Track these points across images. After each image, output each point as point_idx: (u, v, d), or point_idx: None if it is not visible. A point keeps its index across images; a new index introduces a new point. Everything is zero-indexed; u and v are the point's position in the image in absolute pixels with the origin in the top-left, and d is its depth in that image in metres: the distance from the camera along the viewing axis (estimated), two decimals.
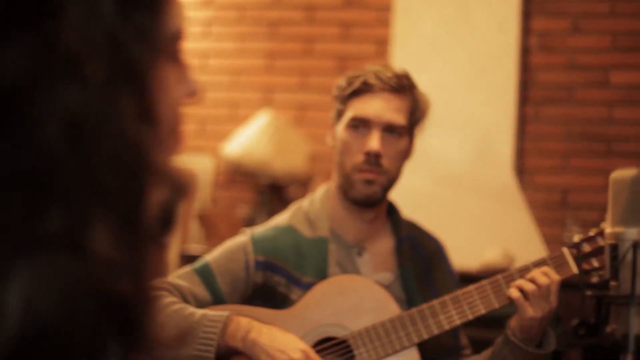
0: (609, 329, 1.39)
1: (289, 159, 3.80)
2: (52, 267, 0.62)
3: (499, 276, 2.01)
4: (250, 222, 3.45)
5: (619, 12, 3.80)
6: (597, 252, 2.02)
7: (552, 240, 3.63)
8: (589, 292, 1.42)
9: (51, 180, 0.61)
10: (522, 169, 3.78)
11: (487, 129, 3.65)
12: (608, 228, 1.40)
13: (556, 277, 1.98)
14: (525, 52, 3.82)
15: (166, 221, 0.69)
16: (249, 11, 4.17)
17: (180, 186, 0.71)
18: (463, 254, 2.88)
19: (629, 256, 1.38)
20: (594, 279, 2.03)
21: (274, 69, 4.13)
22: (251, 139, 3.82)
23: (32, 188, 0.61)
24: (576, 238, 2.04)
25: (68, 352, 0.60)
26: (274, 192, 3.91)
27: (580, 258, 2.02)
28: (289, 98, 4.09)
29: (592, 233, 2.03)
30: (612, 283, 1.39)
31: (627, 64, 3.83)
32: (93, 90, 0.61)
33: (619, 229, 1.40)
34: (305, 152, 3.86)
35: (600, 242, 2.02)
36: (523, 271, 2.00)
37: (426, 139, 2.26)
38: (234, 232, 2.27)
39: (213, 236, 3.66)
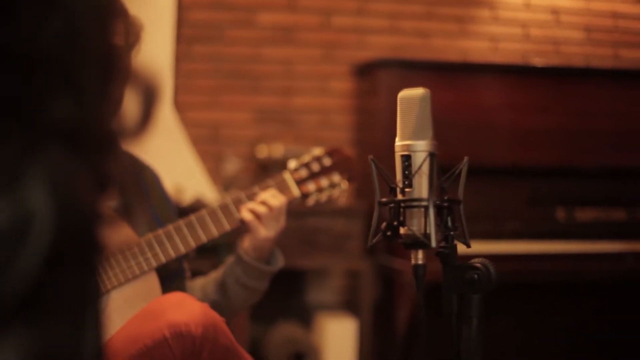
0: (405, 229, 1.57)
1: None
2: (64, 157, 0.66)
3: (228, 199, 2.12)
4: None
5: None
6: (314, 175, 2.23)
7: (213, 173, 3.78)
8: (384, 199, 1.59)
9: (46, 71, 0.65)
10: (178, 106, 3.87)
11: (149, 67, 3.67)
12: (399, 141, 1.57)
13: (283, 198, 2.14)
14: None
15: (143, 119, 0.75)
16: None
17: (153, 88, 0.76)
18: None
19: (425, 165, 1.56)
20: (311, 200, 2.24)
21: None
22: None
23: (30, 77, 0.65)
24: (292, 164, 2.22)
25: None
26: None
27: (300, 182, 2.21)
28: None
29: (306, 159, 2.22)
30: (407, 190, 1.57)
31: (272, 2, 4.07)
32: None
33: (409, 142, 1.57)
34: None
35: (314, 167, 2.22)
36: (251, 195, 2.13)
37: None
38: None
39: None
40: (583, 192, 3.85)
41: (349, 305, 4.04)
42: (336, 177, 2.25)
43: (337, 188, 2.26)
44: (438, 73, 3.87)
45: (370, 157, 1.63)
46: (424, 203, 1.57)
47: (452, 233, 1.62)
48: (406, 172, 1.59)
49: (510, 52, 4.35)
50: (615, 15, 4.43)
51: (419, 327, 1.60)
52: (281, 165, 3.63)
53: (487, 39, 4.33)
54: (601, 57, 4.42)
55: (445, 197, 1.60)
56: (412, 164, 1.59)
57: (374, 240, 1.60)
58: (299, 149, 3.61)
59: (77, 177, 0.69)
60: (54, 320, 0.68)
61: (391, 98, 3.75)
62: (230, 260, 2.15)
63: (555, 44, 4.40)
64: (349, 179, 2.28)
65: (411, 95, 1.61)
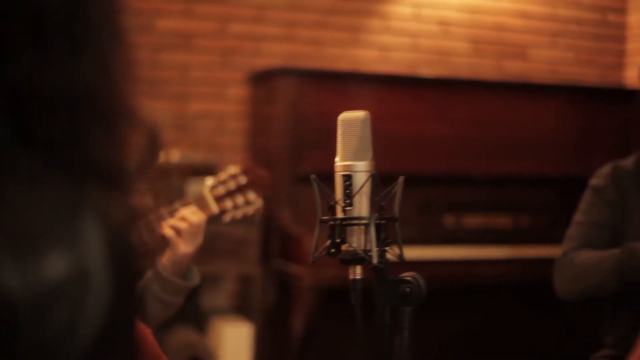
0: (346, 246, 1.64)
1: None
2: (107, 198, 0.72)
3: (151, 216, 2.14)
4: None
5: None
6: (231, 193, 2.28)
7: None
8: (325, 217, 1.65)
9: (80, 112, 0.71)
10: None
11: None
12: (339, 162, 1.64)
13: (203, 215, 2.19)
14: None
15: (144, 165, 0.82)
16: None
17: (156, 133, 0.83)
18: None
19: (366, 184, 1.64)
20: (228, 217, 2.29)
21: None
22: None
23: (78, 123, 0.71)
24: (210, 181, 2.27)
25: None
26: None
27: (218, 198, 2.25)
28: None
29: (223, 177, 2.27)
30: (348, 208, 1.63)
31: (170, 9, 4.06)
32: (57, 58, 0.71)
33: (350, 163, 1.64)
34: None
35: (231, 184, 2.27)
36: (172, 211, 2.16)
37: None
38: None
39: None
40: (470, 198, 4.01)
41: (243, 310, 4.08)
42: (251, 195, 2.31)
43: (252, 205, 2.32)
44: (333, 82, 3.95)
45: (313, 176, 1.69)
46: (365, 221, 1.64)
47: (386, 249, 1.70)
48: (347, 192, 1.66)
49: (400, 61, 4.48)
50: (499, 28, 4.62)
51: (357, 337, 1.67)
52: (176, 170, 3.65)
53: (378, 49, 4.45)
54: (486, 67, 4.60)
55: (382, 215, 1.68)
56: (353, 184, 1.65)
57: (317, 257, 1.66)
58: (195, 155, 3.64)
59: (124, 218, 0.72)
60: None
61: (287, 105, 3.85)
62: (148, 275, 2.17)
63: (443, 54, 4.56)
64: (264, 197, 2.34)
65: (352, 117, 1.67)
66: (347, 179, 1.65)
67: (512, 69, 4.65)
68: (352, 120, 1.67)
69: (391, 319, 1.74)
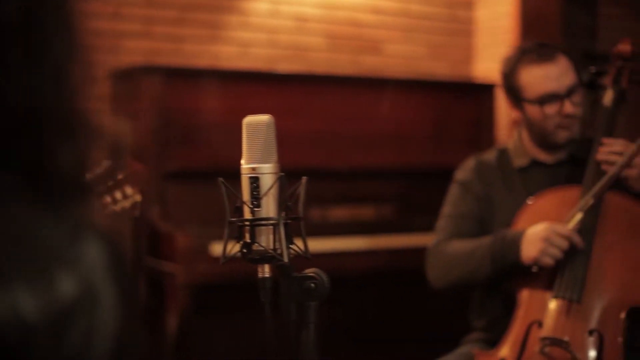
0: (255, 246, 1.69)
1: None
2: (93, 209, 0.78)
3: None
4: None
5: None
6: (109, 188, 2.27)
7: None
8: (234, 219, 1.69)
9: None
10: None
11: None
12: (245, 164, 1.69)
13: None
14: None
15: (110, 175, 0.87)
16: None
17: (119, 144, 0.89)
18: None
19: (274, 186, 1.69)
20: (106, 212, 2.29)
21: None
22: None
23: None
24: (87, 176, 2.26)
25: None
26: None
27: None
28: None
29: (100, 172, 2.27)
30: (256, 210, 1.68)
31: None
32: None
33: (256, 165, 1.69)
34: None
35: (108, 180, 2.27)
36: None
37: None
38: None
39: None
40: (333, 191, 4.11)
41: None
42: (129, 190, 2.31)
43: (130, 200, 2.32)
44: (195, 78, 3.97)
45: (220, 179, 1.72)
46: (273, 222, 1.69)
47: (291, 247, 1.76)
48: (254, 193, 1.70)
49: (259, 57, 4.53)
50: (354, 23, 4.74)
51: (267, 334, 1.72)
52: None
53: (238, 45, 4.49)
54: (343, 62, 4.71)
55: (289, 215, 1.73)
56: (260, 185, 1.70)
57: (229, 257, 1.70)
58: None
59: (108, 227, 0.76)
60: None
61: (151, 103, 3.84)
62: None
63: (300, 50, 4.64)
64: (141, 191, 2.35)
65: (257, 121, 1.72)
66: (254, 180, 1.70)
67: (368, 64, 4.78)
68: (256, 124, 1.72)
69: (296, 315, 1.80)
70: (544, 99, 2.73)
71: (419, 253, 3.89)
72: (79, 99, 0.77)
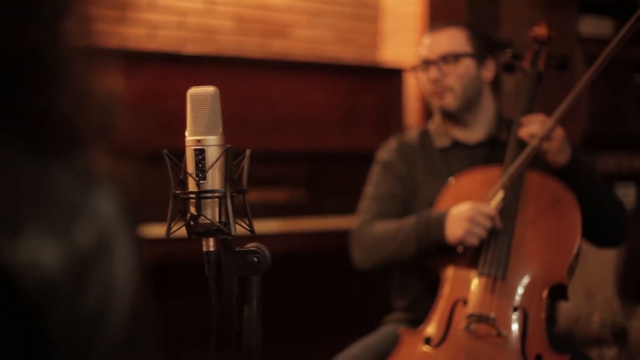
0: (202, 219, 1.67)
1: None
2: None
3: None
4: None
5: None
6: None
7: None
8: (178, 192, 1.67)
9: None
10: None
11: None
12: (190, 136, 1.66)
13: None
14: None
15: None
16: None
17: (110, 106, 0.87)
18: None
19: (220, 158, 1.67)
20: None
21: None
22: None
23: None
24: None
25: None
26: None
27: None
28: None
29: None
30: (202, 182, 1.66)
31: None
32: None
33: (202, 137, 1.67)
34: None
35: None
36: None
37: None
38: None
39: None
40: (249, 174, 4.08)
41: None
42: None
43: None
44: (105, 60, 3.88)
45: (165, 151, 1.69)
46: (218, 194, 1.67)
47: (235, 220, 1.74)
48: (200, 165, 1.68)
49: (168, 39, 4.47)
50: (263, 7, 4.72)
51: (213, 313, 1.70)
52: None
53: (147, 27, 4.41)
54: (251, 45, 4.69)
55: (233, 188, 1.71)
56: (206, 158, 1.68)
57: (174, 231, 1.67)
58: None
59: (116, 176, 0.74)
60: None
61: None
62: None
63: (208, 32, 4.59)
64: None
65: (202, 92, 1.70)
66: (200, 153, 1.68)
67: (276, 48, 4.77)
68: (202, 96, 1.70)
69: (238, 289, 1.79)
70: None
71: (330, 235, 3.94)
72: (74, 44, 0.74)
